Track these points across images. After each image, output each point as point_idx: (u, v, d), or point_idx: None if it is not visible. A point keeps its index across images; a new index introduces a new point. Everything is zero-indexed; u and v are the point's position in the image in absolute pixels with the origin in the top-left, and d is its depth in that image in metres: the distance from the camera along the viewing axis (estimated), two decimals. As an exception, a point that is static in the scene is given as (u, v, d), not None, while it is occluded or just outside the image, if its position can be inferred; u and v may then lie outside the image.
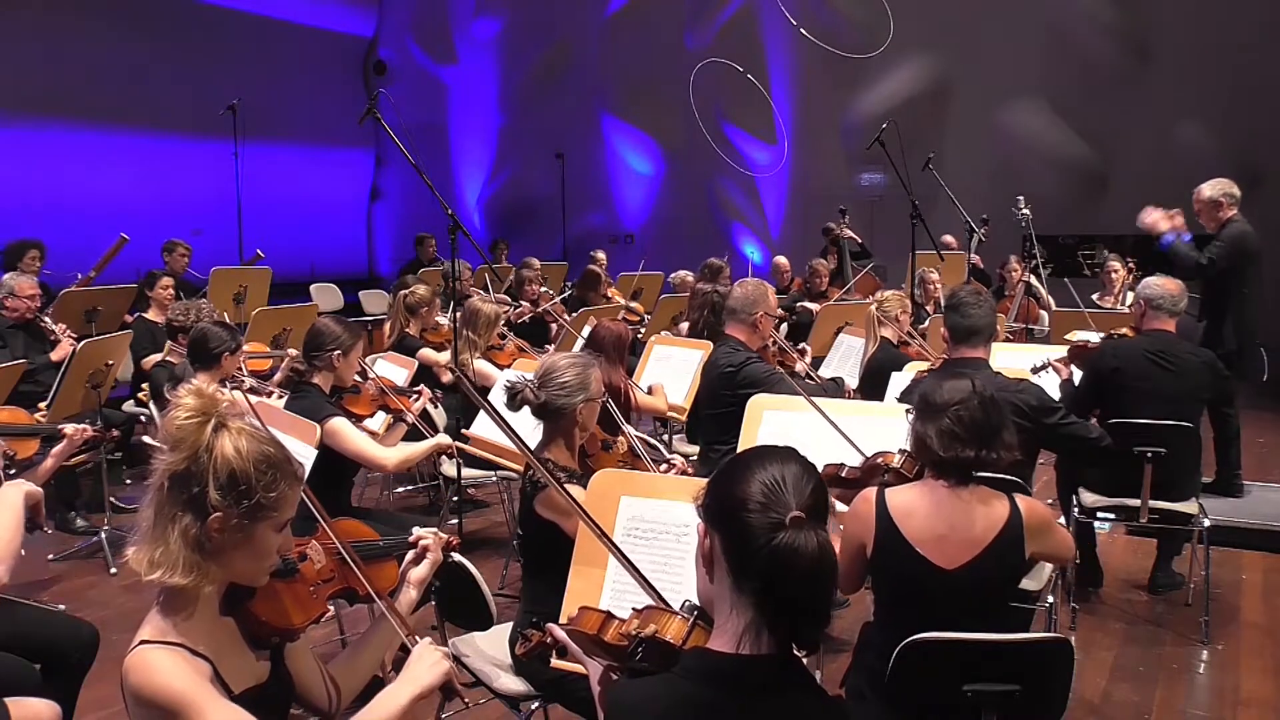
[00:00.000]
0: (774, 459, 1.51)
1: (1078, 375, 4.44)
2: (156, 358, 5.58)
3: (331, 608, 2.04)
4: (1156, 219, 5.75)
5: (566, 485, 2.77)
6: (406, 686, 1.78)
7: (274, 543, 1.73)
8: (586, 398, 2.91)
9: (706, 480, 1.58)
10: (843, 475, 2.88)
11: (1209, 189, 5.59)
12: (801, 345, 5.75)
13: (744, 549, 1.43)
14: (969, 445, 2.40)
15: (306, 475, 2.37)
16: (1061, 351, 4.62)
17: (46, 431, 3.74)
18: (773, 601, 1.42)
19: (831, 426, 3.10)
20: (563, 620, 1.95)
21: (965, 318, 3.66)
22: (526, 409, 2.95)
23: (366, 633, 2.14)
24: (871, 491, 2.51)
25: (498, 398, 3.59)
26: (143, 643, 1.65)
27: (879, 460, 2.84)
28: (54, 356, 5.65)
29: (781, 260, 9.49)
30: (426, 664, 1.81)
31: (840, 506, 2.67)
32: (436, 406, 4.70)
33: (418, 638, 1.91)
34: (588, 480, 2.80)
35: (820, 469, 2.92)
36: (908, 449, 2.72)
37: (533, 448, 2.97)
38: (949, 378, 2.56)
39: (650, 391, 4.99)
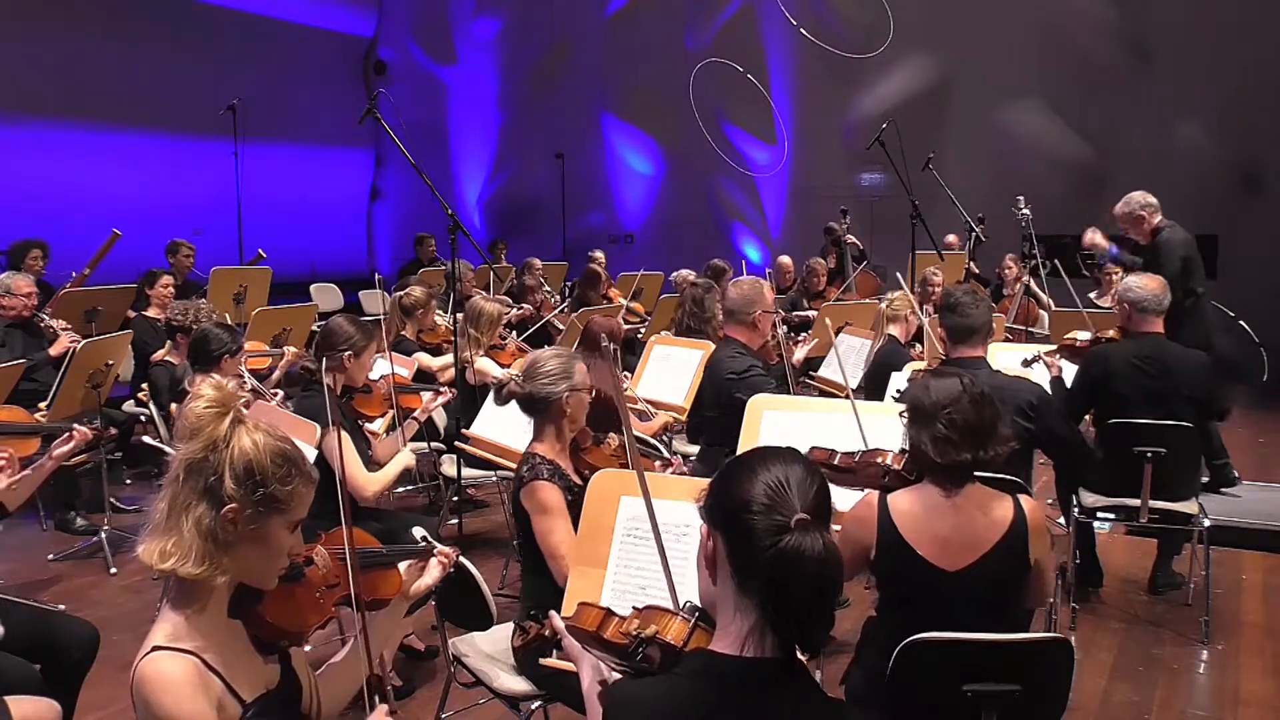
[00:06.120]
0: (777, 460, 1.49)
1: (1068, 370, 4.43)
2: (163, 352, 5.55)
3: (334, 610, 2.03)
4: (1096, 240, 6.35)
5: (545, 483, 2.81)
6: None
7: (286, 542, 1.73)
8: (571, 386, 2.93)
9: (708, 480, 1.57)
10: (835, 463, 2.82)
11: (1136, 198, 5.73)
12: (801, 335, 5.80)
13: (748, 552, 1.42)
14: (964, 448, 2.37)
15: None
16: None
17: (48, 430, 3.73)
18: (777, 605, 1.40)
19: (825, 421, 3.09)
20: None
21: (963, 317, 3.69)
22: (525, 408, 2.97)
23: (346, 657, 2.07)
24: (874, 496, 2.50)
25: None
26: (156, 648, 1.62)
27: (875, 458, 2.79)
28: (52, 352, 5.61)
29: (785, 260, 9.47)
30: None
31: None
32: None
33: (383, 673, 1.89)
34: (582, 481, 2.80)
35: (807, 452, 2.88)
36: (906, 448, 2.67)
37: (525, 444, 3.03)
38: (935, 377, 2.53)
39: (655, 407, 4.97)
